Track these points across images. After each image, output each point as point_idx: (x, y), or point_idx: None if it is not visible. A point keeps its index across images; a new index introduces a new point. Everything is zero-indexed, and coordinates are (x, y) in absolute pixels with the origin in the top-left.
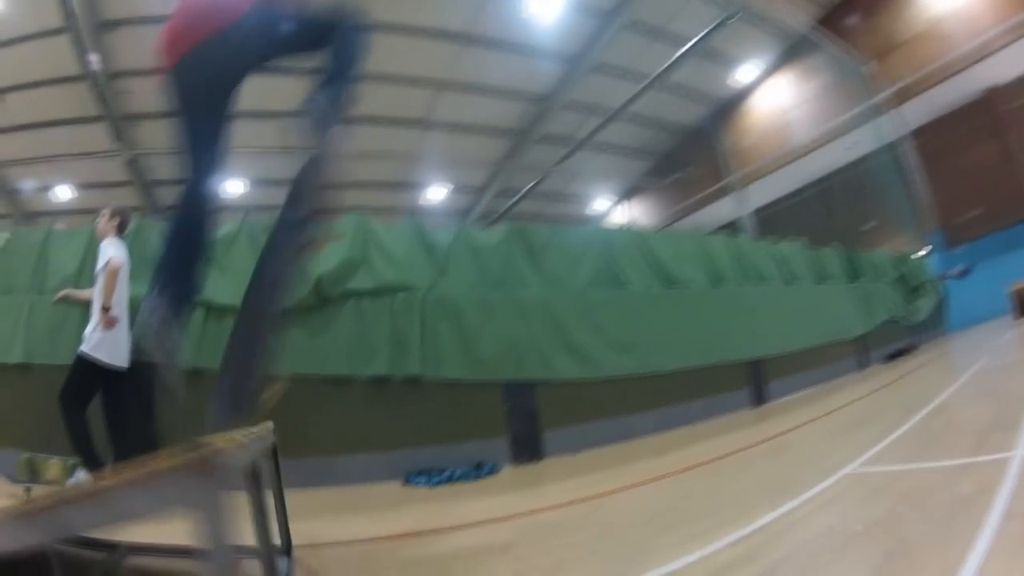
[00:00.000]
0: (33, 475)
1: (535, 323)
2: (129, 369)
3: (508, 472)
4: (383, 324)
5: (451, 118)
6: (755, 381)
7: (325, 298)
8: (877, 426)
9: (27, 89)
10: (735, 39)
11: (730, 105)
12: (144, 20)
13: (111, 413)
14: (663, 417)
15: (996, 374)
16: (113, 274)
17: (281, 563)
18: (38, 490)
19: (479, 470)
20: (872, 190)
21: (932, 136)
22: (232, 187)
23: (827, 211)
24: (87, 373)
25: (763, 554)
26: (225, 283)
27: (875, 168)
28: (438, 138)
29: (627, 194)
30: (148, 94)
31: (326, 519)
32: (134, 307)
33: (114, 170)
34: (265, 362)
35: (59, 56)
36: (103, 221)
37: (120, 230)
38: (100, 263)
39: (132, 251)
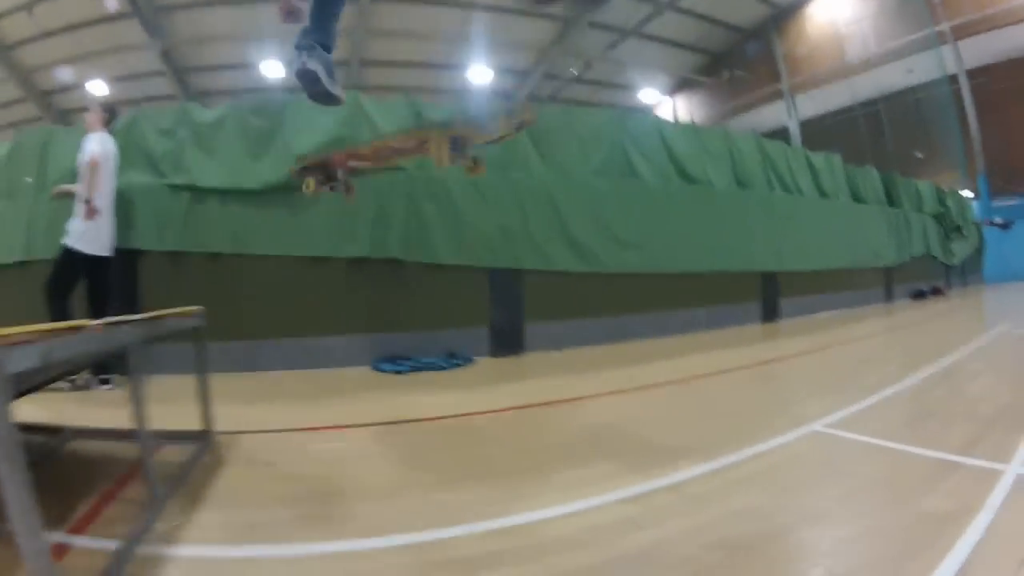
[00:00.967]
0: None
1: (533, 210)
2: (112, 256)
3: (484, 364)
4: (367, 203)
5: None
6: (768, 296)
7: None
8: (873, 376)
9: None
10: None
11: (788, 10)
12: None
13: (95, 300)
14: (661, 322)
15: (1018, 345)
16: (93, 168)
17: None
18: None
19: (451, 360)
20: (924, 121)
21: (990, 79)
22: (271, 69)
23: (876, 134)
24: (69, 263)
25: (613, 539)
26: (212, 167)
27: (929, 99)
28: (483, 18)
29: (676, 88)
30: None
31: (272, 405)
32: (121, 198)
33: (148, 61)
34: None
35: None
36: (91, 115)
37: (107, 124)
38: (83, 157)
39: (126, 142)
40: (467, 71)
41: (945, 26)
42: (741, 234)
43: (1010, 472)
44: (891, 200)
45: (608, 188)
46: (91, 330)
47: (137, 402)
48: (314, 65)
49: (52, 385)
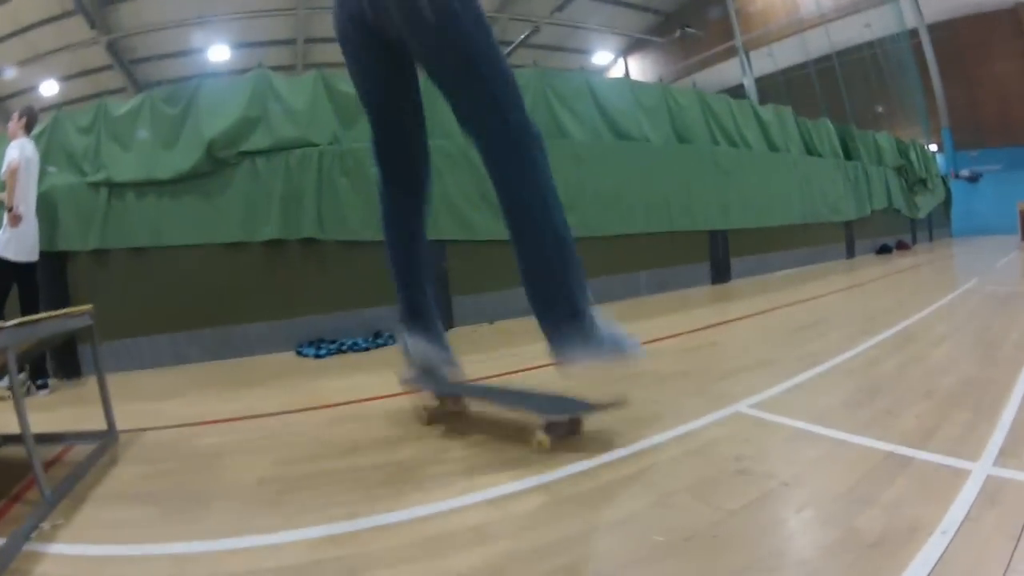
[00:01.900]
0: None
1: (450, 176)
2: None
3: None
4: (277, 184)
5: None
6: (717, 256)
7: (219, 161)
8: (818, 343)
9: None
10: None
11: None
12: None
13: (27, 306)
14: (600, 288)
15: (988, 304)
16: (11, 175)
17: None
18: None
19: (376, 340)
20: (883, 76)
21: (954, 34)
22: (218, 53)
23: (834, 89)
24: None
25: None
26: (127, 160)
27: (888, 54)
28: None
29: (629, 49)
30: None
31: (184, 399)
32: (46, 200)
33: (96, 56)
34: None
35: None
36: (12, 123)
37: (28, 129)
38: (2, 166)
39: (49, 143)
40: None
41: None
42: (682, 192)
43: (978, 472)
44: (848, 153)
45: None
46: None
47: (20, 406)
48: None
49: None
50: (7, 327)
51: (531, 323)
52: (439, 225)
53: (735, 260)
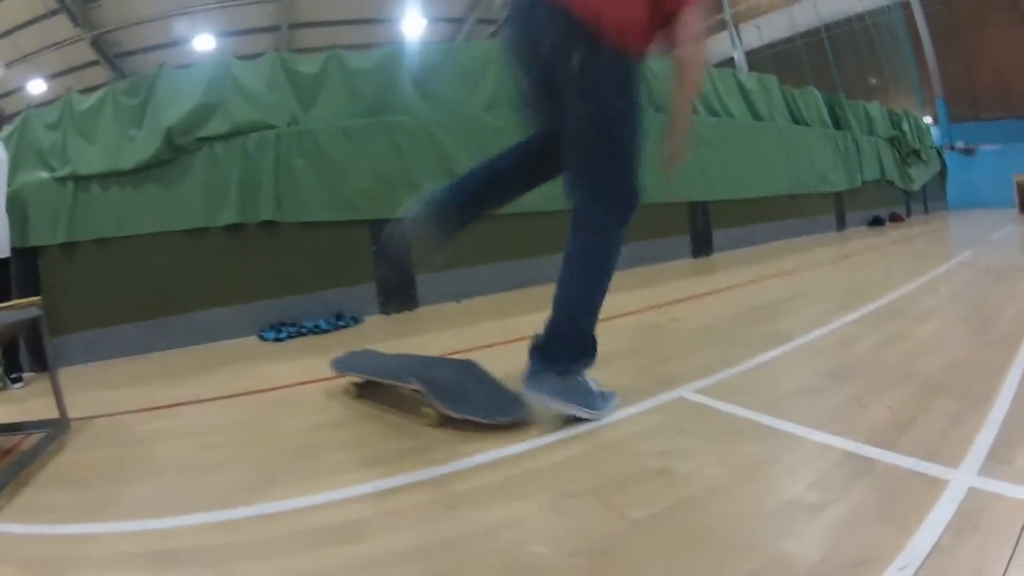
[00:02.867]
0: None
1: (412, 153)
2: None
3: (371, 323)
4: (234, 168)
5: None
6: (698, 228)
7: (178, 148)
8: (791, 318)
9: None
10: None
11: None
12: None
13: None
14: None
15: (982, 278)
16: None
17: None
18: None
19: (338, 321)
20: (875, 48)
21: (948, 6)
22: (203, 43)
23: (824, 61)
24: None
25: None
26: (91, 153)
27: (880, 26)
28: None
29: None
30: None
31: (137, 387)
32: (17, 198)
33: (81, 52)
34: None
35: None
36: None
37: None
38: None
39: (20, 142)
40: (400, 23)
41: None
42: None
43: (957, 483)
44: (837, 123)
45: (498, 122)
46: None
47: None
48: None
49: None
50: None
51: (499, 300)
52: (400, 202)
53: (718, 232)
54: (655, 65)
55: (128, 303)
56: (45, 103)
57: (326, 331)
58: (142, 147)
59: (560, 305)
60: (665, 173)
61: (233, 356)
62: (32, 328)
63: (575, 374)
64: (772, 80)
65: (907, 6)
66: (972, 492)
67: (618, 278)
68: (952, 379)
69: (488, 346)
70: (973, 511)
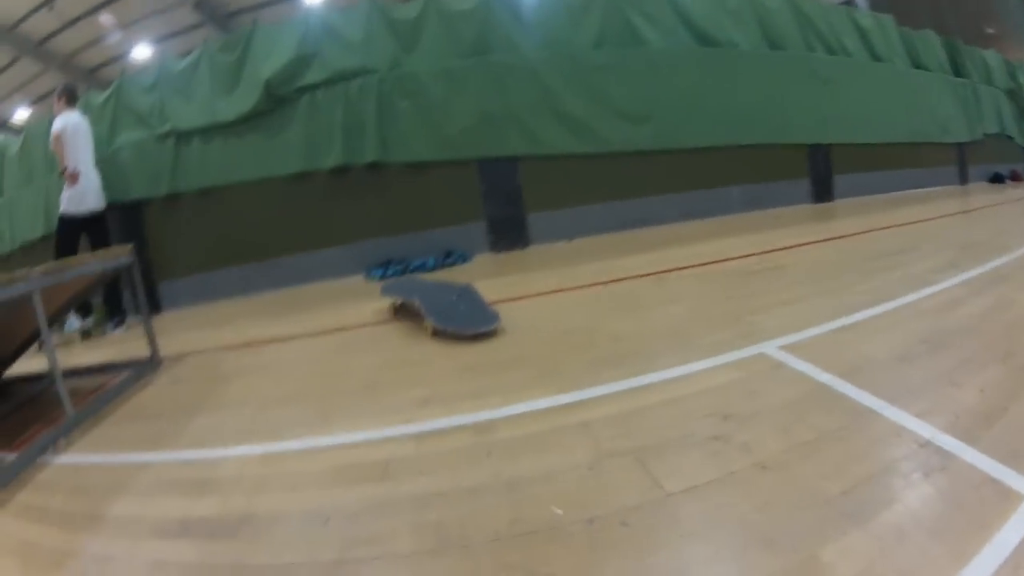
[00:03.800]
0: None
1: (516, 92)
2: (103, 211)
3: (481, 261)
4: (337, 113)
5: None
6: (818, 173)
7: (278, 99)
8: (895, 272)
9: None
10: None
11: None
12: None
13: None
14: (688, 203)
15: None
16: (56, 142)
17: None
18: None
19: (445, 259)
20: None
21: None
22: None
23: (940, 5)
24: (67, 227)
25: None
26: (190, 110)
27: None
28: None
29: None
30: None
31: (235, 325)
32: (118, 157)
33: (184, 17)
34: None
35: None
36: (55, 101)
37: (70, 104)
38: (50, 138)
39: (116, 107)
40: None
41: None
42: (775, 102)
43: None
44: (957, 70)
45: (605, 59)
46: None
47: (49, 344)
48: None
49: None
50: (35, 273)
51: (608, 241)
52: (506, 140)
53: (839, 178)
54: (768, 0)
55: (232, 248)
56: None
57: (432, 268)
58: (242, 100)
59: None
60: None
61: (334, 295)
62: (129, 275)
63: None
64: (888, 19)
65: None
66: None
67: (735, 220)
68: None
69: (578, 288)
70: None
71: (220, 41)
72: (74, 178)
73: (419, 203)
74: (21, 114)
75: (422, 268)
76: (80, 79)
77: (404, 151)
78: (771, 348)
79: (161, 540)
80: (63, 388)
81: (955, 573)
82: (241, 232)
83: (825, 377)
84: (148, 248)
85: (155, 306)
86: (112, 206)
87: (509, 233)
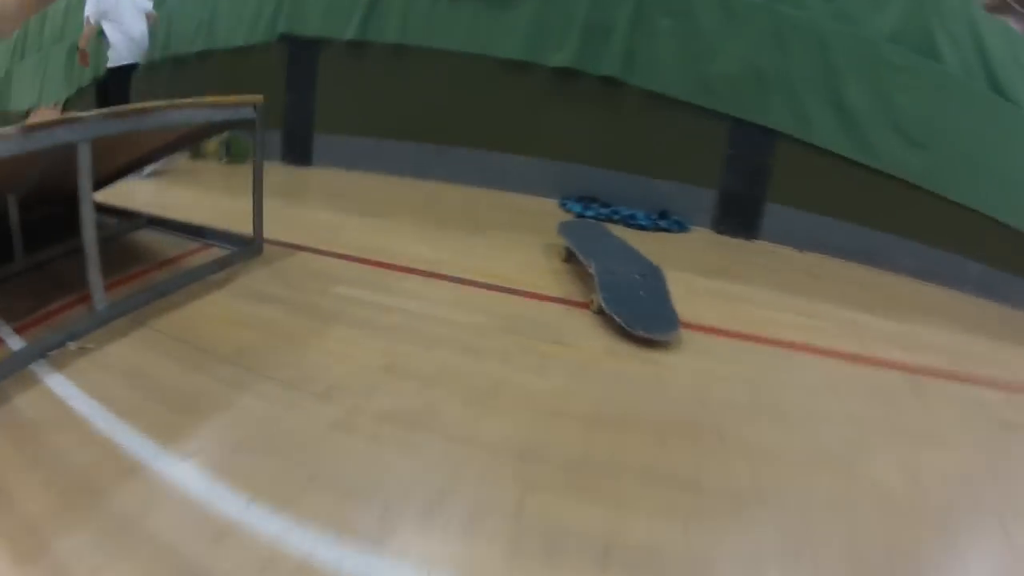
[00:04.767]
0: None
1: (795, 55)
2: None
3: (698, 236)
4: (580, 7)
5: None
6: None
7: None
8: None
9: None
10: None
11: None
12: None
13: (112, 99)
14: (921, 258)
15: None
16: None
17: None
18: None
19: (659, 220)
20: None
21: None
22: None
23: None
24: (115, 77)
25: None
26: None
27: None
28: None
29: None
30: None
31: (372, 220)
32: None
33: None
34: None
35: None
36: None
37: None
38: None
39: None
40: None
41: None
42: None
43: None
44: None
45: (901, 58)
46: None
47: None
48: None
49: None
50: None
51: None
52: (769, 107)
53: None
54: None
55: (410, 120)
56: None
57: (642, 227)
58: None
59: None
60: None
61: (514, 214)
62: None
63: None
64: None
65: None
66: None
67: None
68: None
69: (855, 358)
70: None
71: None
72: (153, 19)
73: (648, 142)
74: None
75: (631, 221)
76: None
77: (651, 77)
78: None
79: None
80: (97, 274)
81: None
82: (425, 106)
83: None
84: (315, 94)
85: (306, 158)
86: (285, 38)
87: (740, 215)
